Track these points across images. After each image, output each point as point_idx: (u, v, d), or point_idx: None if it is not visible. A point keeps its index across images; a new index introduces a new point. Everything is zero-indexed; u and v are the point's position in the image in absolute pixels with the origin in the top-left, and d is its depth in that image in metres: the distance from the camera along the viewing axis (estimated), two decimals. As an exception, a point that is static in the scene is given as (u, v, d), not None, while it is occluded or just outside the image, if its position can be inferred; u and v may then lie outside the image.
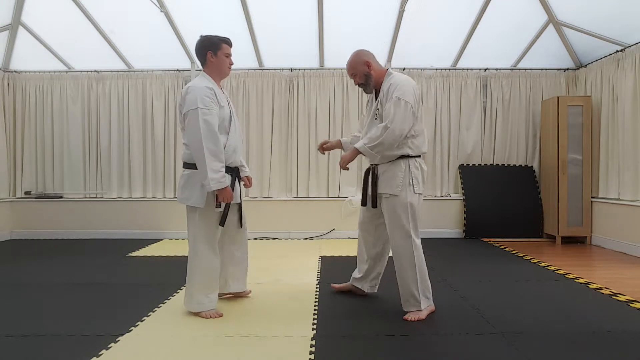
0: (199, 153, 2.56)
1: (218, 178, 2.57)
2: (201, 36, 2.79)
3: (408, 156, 2.73)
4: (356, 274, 3.18)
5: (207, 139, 2.56)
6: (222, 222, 2.73)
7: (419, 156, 2.79)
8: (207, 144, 2.55)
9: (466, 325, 2.60)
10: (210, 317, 2.72)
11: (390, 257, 2.89)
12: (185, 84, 5.95)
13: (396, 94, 2.62)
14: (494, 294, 3.26)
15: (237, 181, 2.84)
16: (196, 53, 2.80)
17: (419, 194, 2.75)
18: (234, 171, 2.79)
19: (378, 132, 2.63)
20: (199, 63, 2.83)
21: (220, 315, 2.75)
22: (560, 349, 2.28)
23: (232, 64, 2.84)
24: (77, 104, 6.04)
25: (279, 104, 5.96)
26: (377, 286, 3.19)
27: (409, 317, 2.68)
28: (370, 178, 2.84)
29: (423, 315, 2.69)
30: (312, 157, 5.91)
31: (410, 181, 2.70)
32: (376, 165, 2.82)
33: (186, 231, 2.80)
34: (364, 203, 2.94)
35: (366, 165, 2.98)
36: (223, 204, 2.69)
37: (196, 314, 2.75)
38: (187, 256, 2.80)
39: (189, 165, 2.69)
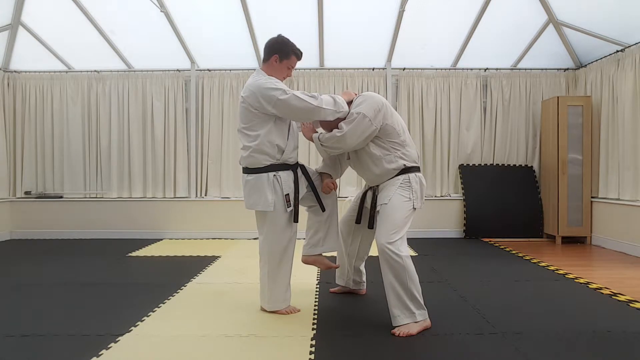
0: (318, 114, 2.61)
1: (334, 105, 2.62)
2: (279, 35, 2.77)
3: (406, 169, 2.67)
4: (337, 272, 3.26)
5: (309, 102, 2.58)
6: (295, 219, 2.75)
7: (418, 169, 2.74)
8: (315, 104, 2.58)
9: (466, 325, 2.60)
10: (292, 312, 2.79)
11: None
12: (185, 84, 6.00)
13: (353, 110, 2.64)
14: (494, 294, 3.26)
15: (297, 176, 2.79)
16: (265, 48, 2.76)
17: (416, 208, 2.65)
18: (295, 167, 2.79)
19: (333, 136, 2.66)
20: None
21: (299, 310, 2.82)
22: (560, 349, 2.28)
23: (290, 75, 2.84)
24: (77, 104, 6.04)
25: (279, 104, 5.96)
26: (363, 284, 3.24)
27: (397, 331, 2.47)
28: (370, 199, 2.78)
29: (414, 330, 2.47)
30: (311, 156, 5.91)
31: (410, 195, 2.63)
32: (376, 186, 2.79)
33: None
34: (358, 221, 2.94)
35: None
36: (292, 203, 2.71)
37: (275, 312, 2.79)
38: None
39: (252, 170, 2.69)
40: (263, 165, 2.66)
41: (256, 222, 2.82)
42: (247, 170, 2.72)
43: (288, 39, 2.77)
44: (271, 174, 2.67)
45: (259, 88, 2.60)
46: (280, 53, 2.72)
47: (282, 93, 2.57)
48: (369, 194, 2.85)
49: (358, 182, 5.92)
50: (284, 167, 2.71)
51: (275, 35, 2.81)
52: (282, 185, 2.68)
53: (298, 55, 2.79)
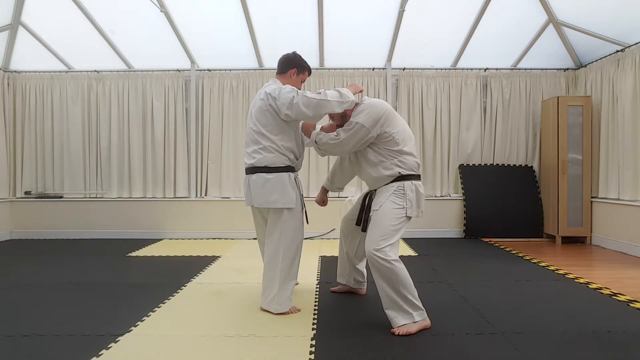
0: (324, 107, 2.68)
1: (339, 97, 2.70)
2: (295, 53, 3.00)
3: (401, 177, 2.65)
4: (338, 271, 3.29)
5: (314, 97, 2.68)
6: (307, 220, 2.93)
7: (416, 178, 2.70)
8: (319, 98, 2.67)
9: (466, 325, 2.60)
10: (293, 312, 2.82)
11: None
12: (185, 84, 6.00)
13: (353, 118, 2.69)
14: (494, 294, 3.26)
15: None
16: (283, 61, 2.95)
17: (410, 217, 2.63)
18: (297, 175, 2.93)
19: (330, 139, 2.74)
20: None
21: (299, 310, 2.85)
22: (560, 349, 2.28)
23: (300, 88, 2.97)
24: (77, 104, 6.04)
25: (279, 104, 5.96)
26: (364, 284, 3.25)
27: (397, 330, 2.48)
28: (367, 202, 2.82)
29: (413, 329, 2.48)
30: (311, 156, 5.91)
31: (404, 203, 2.61)
32: (374, 190, 2.80)
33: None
34: (358, 223, 2.95)
35: None
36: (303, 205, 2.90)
37: (282, 314, 2.79)
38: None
39: (272, 169, 2.77)
40: (284, 165, 2.78)
41: (269, 222, 2.86)
42: (266, 170, 2.78)
43: (302, 57, 3.00)
44: (292, 174, 2.82)
45: (280, 94, 2.73)
46: (298, 67, 2.94)
47: (296, 95, 2.70)
48: (368, 197, 2.86)
49: (359, 183, 5.92)
50: (294, 171, 2.87)
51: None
52: (299, 186, 2.85)
53: (309, 71, 3.03)
